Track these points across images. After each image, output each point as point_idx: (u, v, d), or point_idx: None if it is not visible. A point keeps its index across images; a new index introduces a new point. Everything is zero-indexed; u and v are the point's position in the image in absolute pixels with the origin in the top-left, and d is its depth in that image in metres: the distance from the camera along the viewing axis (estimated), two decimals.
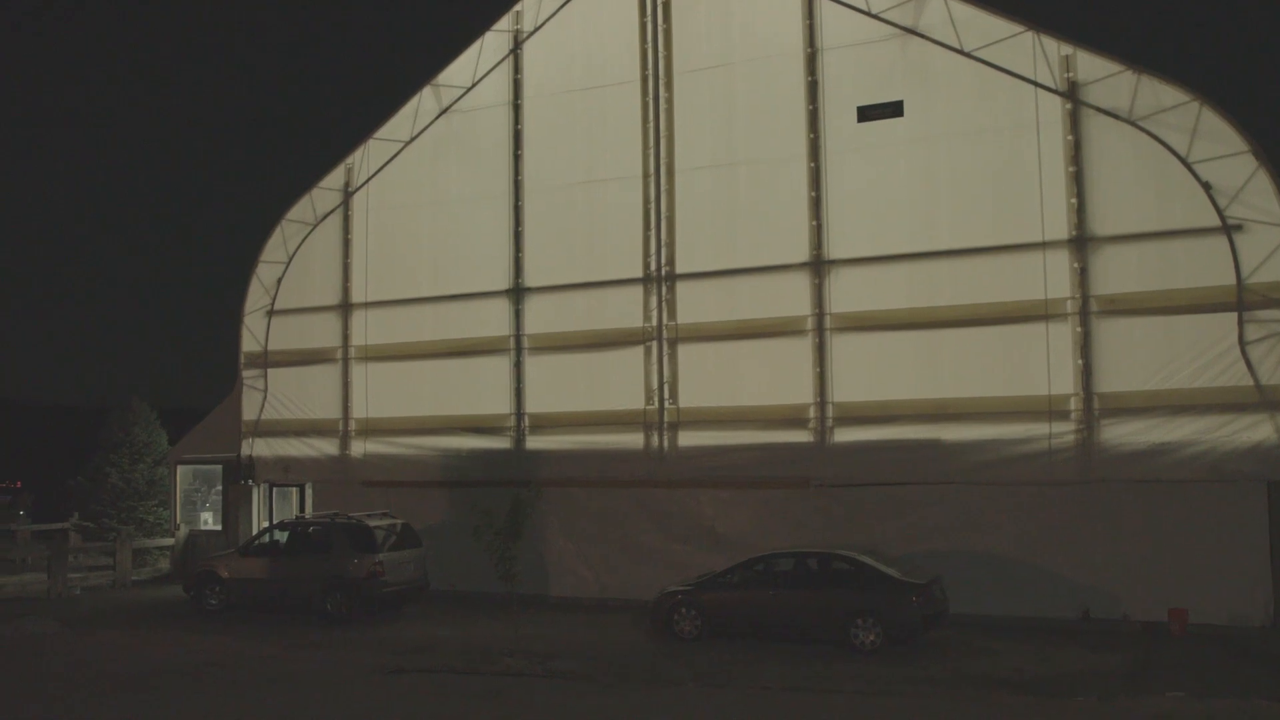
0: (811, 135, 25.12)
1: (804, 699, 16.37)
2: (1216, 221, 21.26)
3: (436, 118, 29.67)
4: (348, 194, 30.84)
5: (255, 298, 31.99)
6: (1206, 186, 21.30)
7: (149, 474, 34.36)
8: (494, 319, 28.52)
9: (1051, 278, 22.66)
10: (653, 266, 26.64)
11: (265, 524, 30.77)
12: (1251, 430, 20.96)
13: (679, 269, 26.39)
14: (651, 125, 26.91)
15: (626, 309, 26.84)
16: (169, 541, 32.96)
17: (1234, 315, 21.09)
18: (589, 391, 27.22)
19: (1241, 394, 21.01)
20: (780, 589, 20.95)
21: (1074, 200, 22.56)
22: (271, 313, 31.75)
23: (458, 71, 29.42)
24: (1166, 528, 21.62)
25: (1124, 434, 21.96)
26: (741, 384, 25.50)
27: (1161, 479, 21.60)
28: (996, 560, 22.74)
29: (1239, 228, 21.12)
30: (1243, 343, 21.01)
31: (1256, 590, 20.95)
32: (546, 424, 27.75)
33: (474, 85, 29.17)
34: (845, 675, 17.84)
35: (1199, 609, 20.96)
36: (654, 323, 26.54)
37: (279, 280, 31.62)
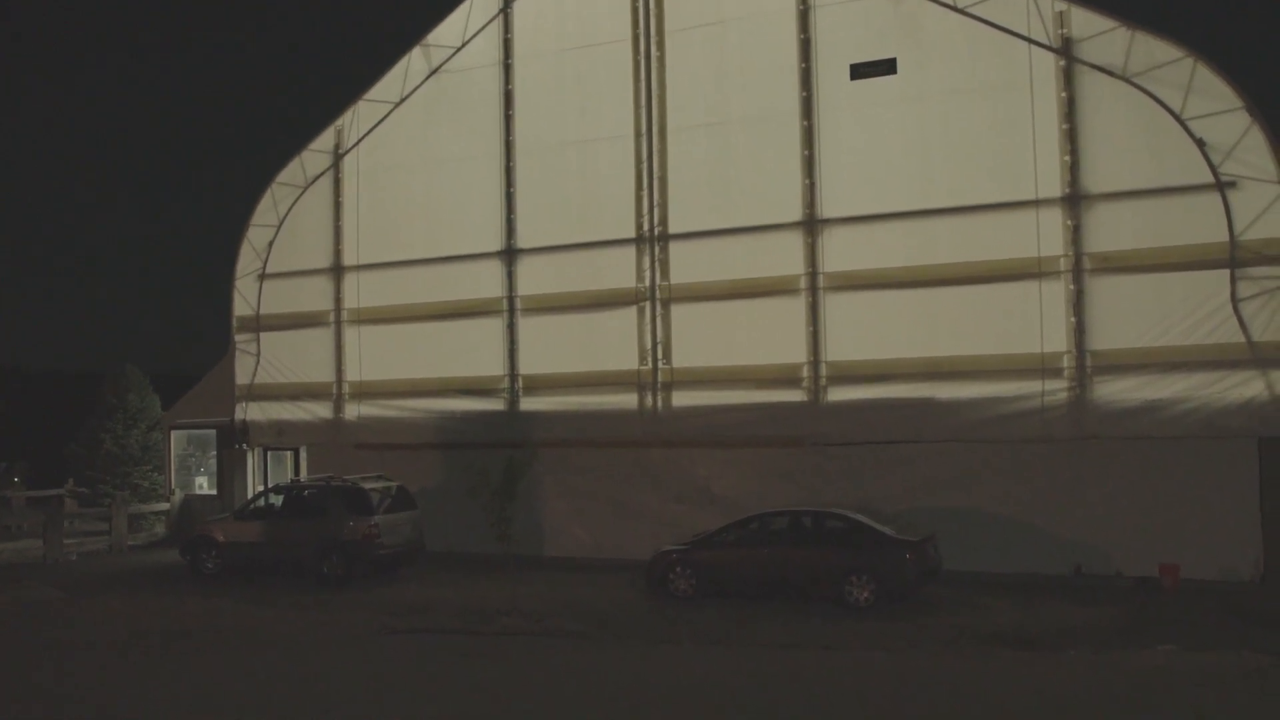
0: (804, 93, 25.01)
1: (799, 656, 16.48)
2: (1210, 178, 21.24)
3: (426, 78, 29.49)
4: (338, 156, 30.70)
5: (246, 261, 31.92)
6: (1200, 143, 21.26)
7: (143, 439, 34.34)
8: (487, 280, 28.48)
9: (1045, 235, 22.65)
10: (645, 226, 26.58)
11: (260, 488, 30.82)
12: (1243, 387, 21.03)
13: (672, 229, 26.34)
14: (643, 84, 26.78)
15: (619, 269, 26.80)
16: (164, 506, 33.04)
17: (1227, 272, 21.11)
18: (583, 352, 27.22)
19: (1233, 351, 21.07)
20: (775, 547, 21.04)
21: (1067, 158, 22.52)
22: (263, 276, 31.67)
23: (447, 31, 29.22)
24: (1158, 484, 21.75)
25: (1116, 391, 22.03)
26: (735, 344, 25.52)
27: (1153, 436, 21.69)
28: (990, 517, 22.87)
29: (1232, 184, 21.10)
30: (1235, 300, 21.04)
31: (1246, 546, 21.11)
32: (540, 385, 27.77)
33: (464, 45, 28.98)
34: (840, 632, 17.97)
35: (1190, 564, 21.09)
36: (647, 283, 26.52)
37: (270, 244, 31.53)
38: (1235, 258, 21.04)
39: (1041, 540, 22.49)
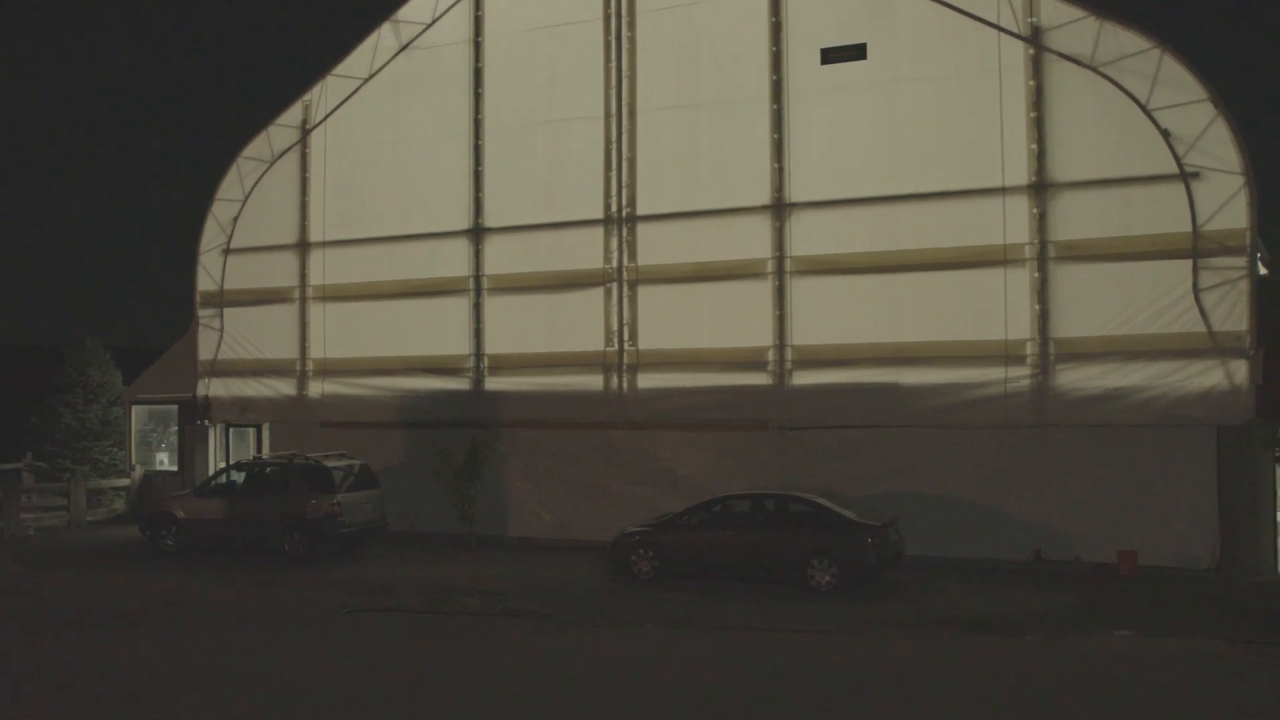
0: (774, 77, 24.98)
1: (762, 638, 16.57)
2: (1174, 169, 21.39)
3: (396, 54, 29.24)
4: (305, 131, 30.41)
5: (211, 236, 31.60)
6: (1165, 134, 21.40)
7: (103, 414, 33.99)
8: (453, 259, 28.33)
9: (1011, 223, 22.75)
10: (614, 208, 26.51)
11: (222, 464, 30.60)
12: (1203, 376, 21.22)
13: (640, 210, 26.28)
14: (614, 65, 26.67)
15: (587, 250, 26.73)
16: (124, 482, 32.73)
17: (1189, 262, 21.27)
18: (549, 333, 27.16)
19: (1194, 340, 21.25)
20: (738, 530, 21.11)
21: (1034, 146, 22.61)
22: (228, 251, 31.38)
23: (418, 7, 28.97)
24: (1118, 471, 21.95)
25: (1078, 379, 22.19)
26: (701, 326, 25.53)
27: (1114, 423, 21.88)
28: (952, 502, 23.02)
29: (1196, 175, 21.26)
30: (1197, 290, 21.22)
31: (1204, 533, 21.35)
32: (506, 365, 27.68)
33: (434, 21, 28.75)
34: (802, 615, 18.06)
35: (1148, 551, 21.34)
36: (614, 264, 26.46)
37: (235, 219, 31.23)
38: (1198, 248, 21.21)
39: (1002, 525, 22.67)
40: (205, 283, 31.69)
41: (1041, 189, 22.53)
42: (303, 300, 30.40)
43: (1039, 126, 22.60)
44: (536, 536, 26.84)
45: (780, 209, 24.77)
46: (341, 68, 29.91)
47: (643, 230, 26.25)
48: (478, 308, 28.03)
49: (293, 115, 30.64)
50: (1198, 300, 21.19)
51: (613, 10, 26.68)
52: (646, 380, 26.12)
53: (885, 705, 12.80)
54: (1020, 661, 15.00)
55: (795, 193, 24.69)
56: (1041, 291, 22.48)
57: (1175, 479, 21.56)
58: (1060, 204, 22.43)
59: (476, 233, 28.08)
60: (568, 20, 27.14)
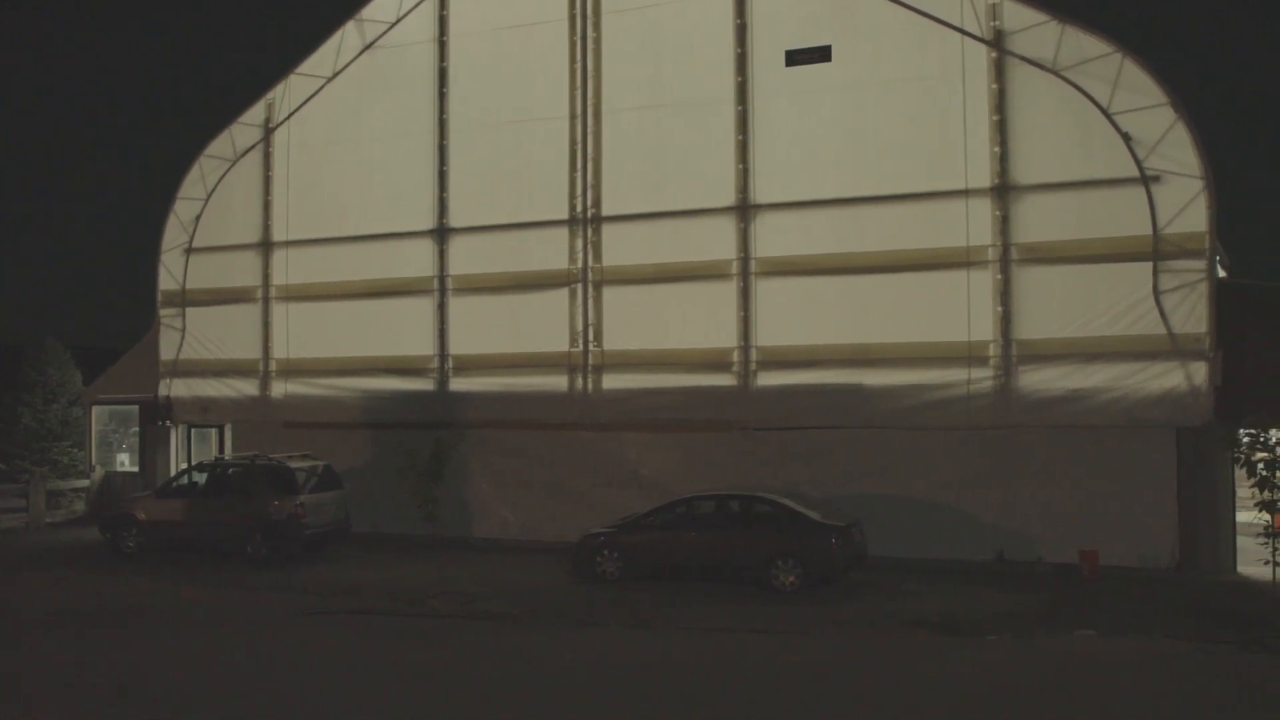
0: (739, 79, 25.03)
1: (726, 639, 16.56)
2: (1135, 172, 21.58)
3: (360, 54, 29.09)
4: (268, 130, 30.21)
5: (173, 235, 31.35)
6: (1126, 137, 21.60)
7: (63, 415, 33.64)
8: (418, 259, 28.21)
9: (974, 225, 22.88)
10: (579, 208, 26.47)
11: (184, 465, 30.35)
12: (1163, 378, 21.43)
13: (605, 211, 26.26)
14: (579, 65, 26.64)
15: (552, 251, 26.68)
16: (84, 483, 32.42)
17: (1149, 265, 21.47)
18: (513, 333, 27.09)
19: (1154, 342, 21.45)
20: (702, 531, 21.12)
21: (997, 149, 22.76)
22: (190, 250, 31.13)
23: (382, 6, 28.85)
24: (1079, 472, 22.12)
25: (1040, 380, 22.35)
26: (666, 327, 25.54)
27: (1075, 424, 22.05)
28: (915, 503, 23.13)
29: (1156, 179, 21.46)
30: (1157, 292, 21.42)
31: (1164, 533, 21.57)
32: (470, 366, 27.59)
33: (399, 20, 28.63)
34: (766, 616, 18.08)
35: (1109, 551, 21.52)
36: (579, 265, 26.42)
37: (197, 217, 30.98)
38: (1158, 251, 21.41)
39: (965, 526, 22.80)
40: (167, 282, 31.44)
41: (1004, 191, 22.68)
42: (266, 300, 30.20)
43: (1002, 129, 22.75)
44: (502, 538, 26.78)
45: (745, 210, 24.81)
46: (305, 66, 29.73)
47: (608, 231, 26.23)
48: (442, 308, 27.93)
49: (256, 114, 30.44)
50: (1158, 302, 21.40)
51: (578, 11, 26.65)
52: (611, 381, 26.10)
53: (850, 705, 12.83)
54: (984, 662, 15.08)
55: (760, 194, 24.75)
56: (1004, 293, 22.63)
57: (1136, 480, 21.77)
58: (1022, 206, 22.59)
59: (441, 233, 27.98)
60: (533, 20, 27.08)
